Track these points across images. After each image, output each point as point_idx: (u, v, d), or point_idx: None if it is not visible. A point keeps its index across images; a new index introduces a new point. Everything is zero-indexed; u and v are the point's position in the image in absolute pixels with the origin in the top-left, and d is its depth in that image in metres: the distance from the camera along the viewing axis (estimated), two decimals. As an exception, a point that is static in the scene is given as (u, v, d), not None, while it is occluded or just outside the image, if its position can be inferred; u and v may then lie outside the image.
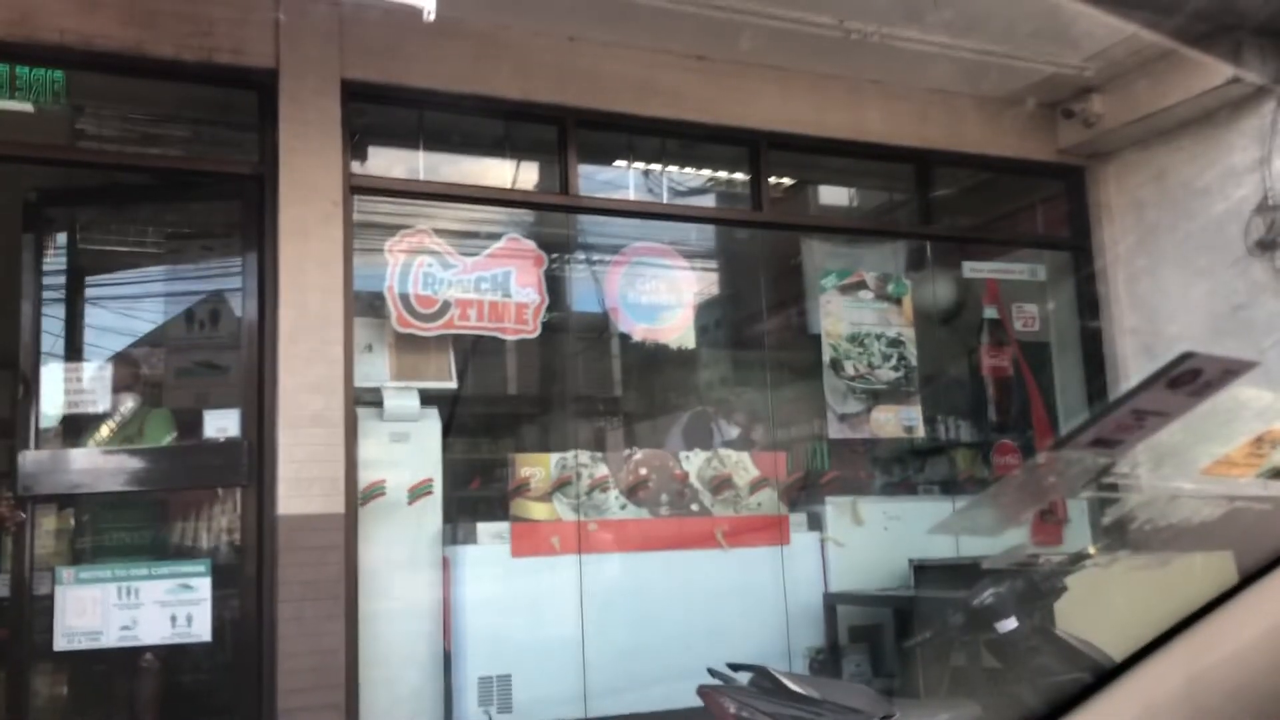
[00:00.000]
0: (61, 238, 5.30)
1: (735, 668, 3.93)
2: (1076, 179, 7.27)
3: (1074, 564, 4.42)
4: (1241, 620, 1.10)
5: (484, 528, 5.52)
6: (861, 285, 6.63)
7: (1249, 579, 1.12)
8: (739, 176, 6.60)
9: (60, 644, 4.60)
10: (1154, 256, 6.92)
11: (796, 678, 3.82)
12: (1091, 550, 4.44)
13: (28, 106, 5.04)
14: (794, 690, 3.72)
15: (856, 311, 6.58)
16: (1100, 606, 5.32)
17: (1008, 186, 7.44)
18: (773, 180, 6.66)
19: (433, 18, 3.99)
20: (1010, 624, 4.24)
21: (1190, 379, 1.53)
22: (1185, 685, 1.09)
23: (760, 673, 3.86)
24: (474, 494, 5.86)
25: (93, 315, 5.47)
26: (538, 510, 5.67)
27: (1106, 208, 7.21)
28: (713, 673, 3.93)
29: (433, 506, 5.48)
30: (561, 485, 5.74)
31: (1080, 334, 7.23)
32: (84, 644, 4.60)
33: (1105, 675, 1.12)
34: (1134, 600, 5.63)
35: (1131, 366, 7.00)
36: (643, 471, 5.93)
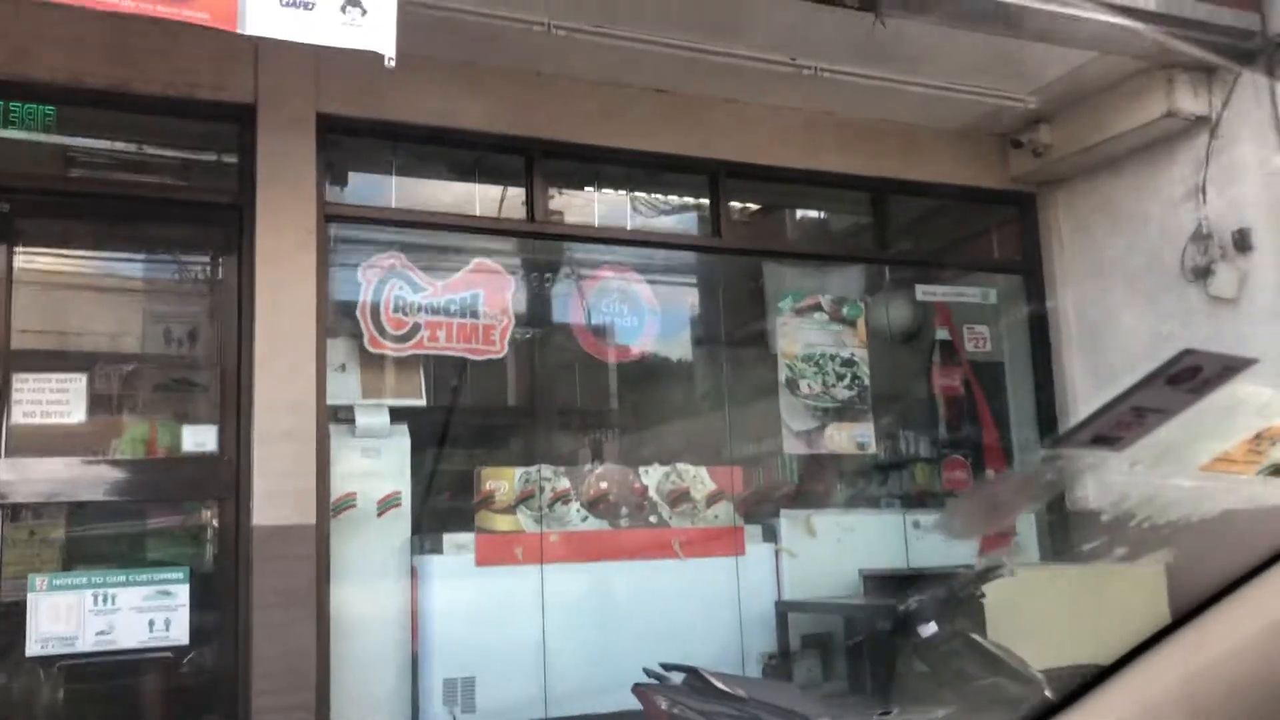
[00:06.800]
0: (37, 251, 5.56)
1: (668, 668, 4.23)
2: (1029, 205, 7.58)
3: (988, 574, 4.71)
4: (1238, 618, 1.11)
5: (450, 538, 5.80)
6: (817, 308, 6.94)
7: (1244, 578, 1.13)
8: (699, 203, 6.89)
9: (33, 649, 4.85)
10: (1100, 280, 7.21)
11: (725, 678, 4.11)
12: (1004, 561, 4.73)
13: (20, 135, 5.34)
14: (722, 689, 4.01)
15: (812, 333, 6.89)
16: (1033, 613, 5.63)
17: (962, 212, 7.75)
18: (734, 205, 6.97)
19: (393, 64, 4.28)
20: (931, 629, 4.54)
21: (1190, 376, 1.56)
22: (1181, 682, 1.10)
23: (692, 673, 4.16)
24: (441, 506, 6.13)
25: (71, 330, 5.74)
26: (502, 522, 5.97)
27: (1057, 233, 7.52)
28: (648, 673, 4.23)
29: (401, 518, 5.78)
30: (525, 498, 6.03)
31: (1031, 354, 7.52)
32: (57, 649, 4.87)
33: (1102, 672, 1.14)
34: (1068, 607, 5.96)
35: (1079, 386, 7.30)
36: (603, 485, 6.22)
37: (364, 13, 4.28)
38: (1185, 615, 1.13)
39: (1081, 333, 7.34)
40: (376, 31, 4.28)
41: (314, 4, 4.21)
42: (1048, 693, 4.46)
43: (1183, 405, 1.56)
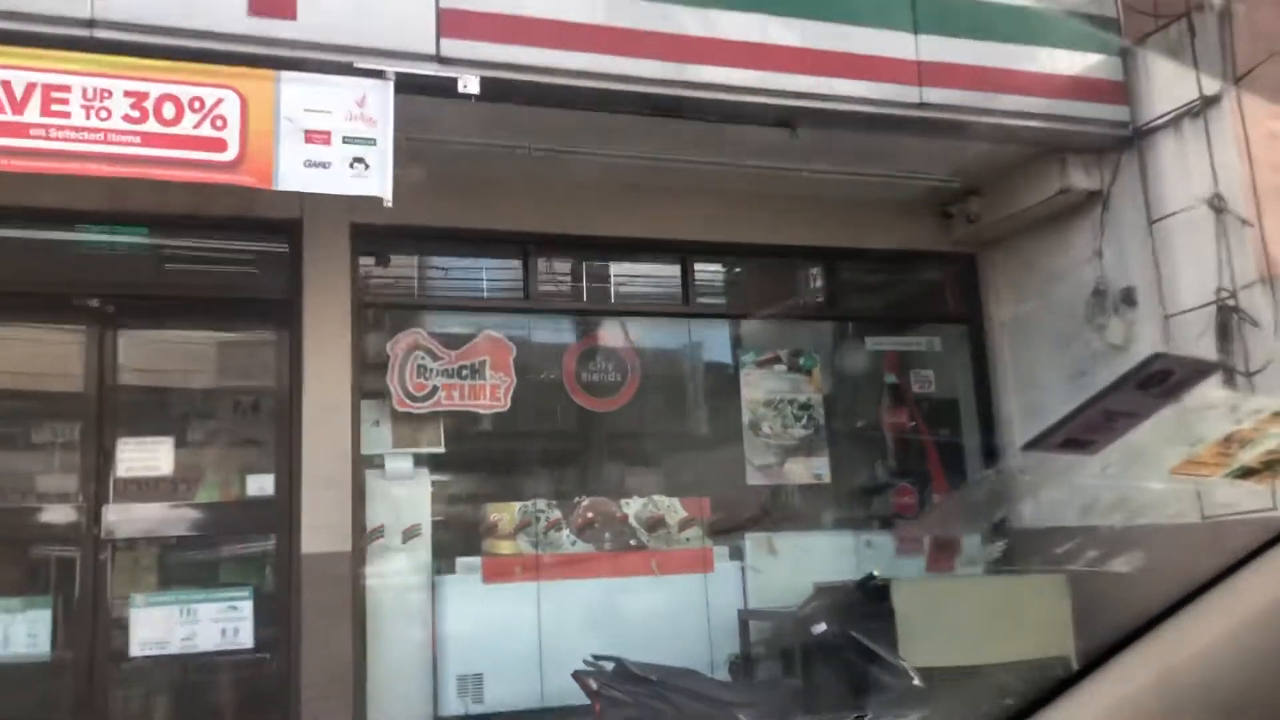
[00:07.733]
0: (134, 338, 7.04)
1: (599, 658, 5.52)
2: (970, 264, 8.73)
3: (865, 582, 5.90)
4: (1210, 618, 1.12)
5: (461, 561, 7.19)
6: (776, 360, 8.19)
7: (1218, 577, 1.15)
8: (671, 276, 8.15)
9: (135, 651, 6.36)
10: (1027, 330, 8.35)
11: (641, 665, 5.39)
12: (876, 572, 5.90)
13: (119, 252, 6.90)
14: (638, 674, 5.29)
15: (772, 382, 8.14)
16: (941, 618, 6.75)
17: (912, 272, 8.92)
18: (701, 275, 8.25)
19: (390, 204, 5.66)
20: (820, 627, 5.75)
21: (1160, 380, 1.62)
22: (1155, 681, 1.11)
23: (617, 662, 5.44)
24: (454, 535, 7.47)
25: (161, 400, 7.23)
26: (504, 547, 7.32)
27: (994, 288, 8.67)
28: (586, 662, 5.52)
29: (422, 545, 7.15)
30: (524, 527, 7.38)
31: (976, 394, 8.65)
32: (153, 651, 6.36)
33: (1080, 669, 1.16)
34: (974, 613, 7.08)
35: (1015, 420, 8.42)
36: (590, 515, 7.54)
37: (367, 167, 5.68)
38: (1161, 614, 1.14)
39: (1015, 374, 8.47)
40: (377, 182, 5.69)
41: (330, 164, 5.63)
42: (916, 681, 5.62)
43: (1153, 409, 1.61)
